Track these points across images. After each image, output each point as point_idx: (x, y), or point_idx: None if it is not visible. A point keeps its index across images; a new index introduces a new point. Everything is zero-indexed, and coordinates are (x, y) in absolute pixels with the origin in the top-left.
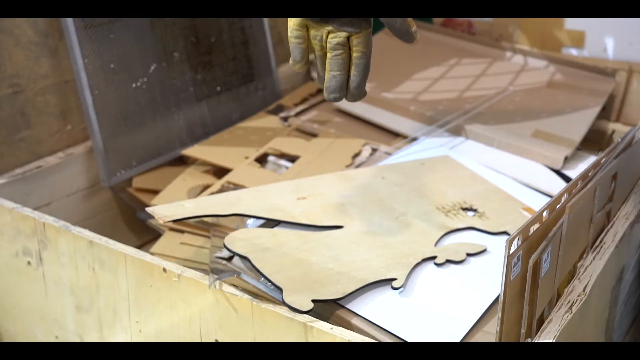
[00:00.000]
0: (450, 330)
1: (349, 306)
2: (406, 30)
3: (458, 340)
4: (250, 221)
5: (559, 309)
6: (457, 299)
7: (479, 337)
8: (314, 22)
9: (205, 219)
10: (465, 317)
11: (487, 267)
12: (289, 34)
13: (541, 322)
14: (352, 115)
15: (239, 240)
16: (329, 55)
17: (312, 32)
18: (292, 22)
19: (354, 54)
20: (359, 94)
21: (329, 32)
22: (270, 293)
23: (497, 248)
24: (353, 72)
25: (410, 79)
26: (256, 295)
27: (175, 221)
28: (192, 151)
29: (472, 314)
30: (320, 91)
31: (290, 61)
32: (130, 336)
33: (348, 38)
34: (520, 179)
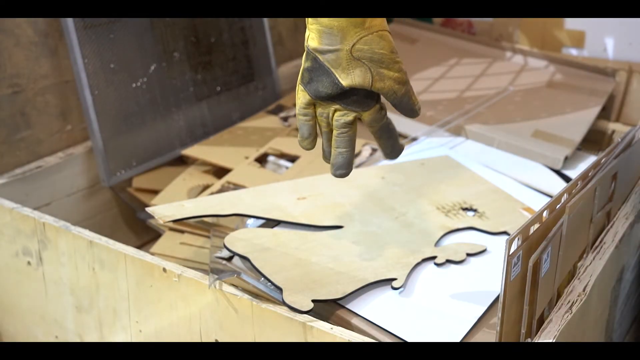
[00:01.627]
0: (450, 330)
1: (349, 306)
2: (410, 107)
3: (458, 340)
4: (250, 221)
5: (559, 309)
6: (457, 299)
7: (479, 337)
8: (322, 100)
9: (205, 219)
10: (465, 317)
11: (487, 267)
12: (297, 111)
13: (541, 322)
14: None
15: (239, 240)
16: (335, 132)
17: (319, 110)
18: (300, 101)
19: (372, 129)
20: (396, 153)
21: (335, 110)
22: (270, 293)
23: (497, 248)
24: (382, 140)
25: (410, 79)
26: (256, 295)
27: (175, 221)
28: (192, 151)
29: (472, 314)
30: None
31: (299, 137)
32: (130, 336)
33: (355, 116)
34: (520, 179)
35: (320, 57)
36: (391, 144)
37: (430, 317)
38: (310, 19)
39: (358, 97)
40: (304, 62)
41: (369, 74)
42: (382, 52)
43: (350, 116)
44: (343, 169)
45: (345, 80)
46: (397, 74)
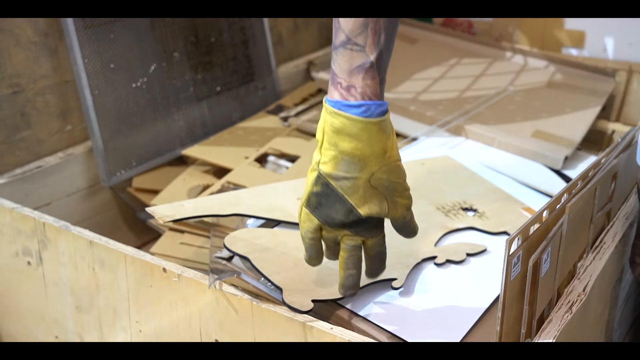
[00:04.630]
0: (451, 330)
1: (348, 306)
2: (412, 229)
3: (458, 340)
4: (250, 221)
5: (559, 309)
6: (457, 299)
7: (479, 337)
8: (332, 227)
9: (205, 219)
10: (465, 317)
11: (487, 267)
12: (303, 234)
13: (541, 322)
14: None
15: (239, 240)
16: (345, 254)
17: (326, 234)
18: (307, 226)
19: (370, 253)
20: (380, 272)
21: (344, 235)
22: (270, 293)
23: (497, 248)
24: (373, 263)
25: (410, 79)
26: (256, 295)
27: (175, 221)
28: (192, 151)
29: (472, 314)
30: (320, 91)
31: (306, 257)
32: (130, 336)
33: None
34: (520, 179)
35: (333, 183)
36: (377, 267)
37: (430, 317)
38: (325, 144)
39: (369, 225)
40: (311, 186)
41: (385, 202)
42: (398, 182)
43: (359, 241)
44: (352, 289)
45: (362, 209)
46: (407, 201)
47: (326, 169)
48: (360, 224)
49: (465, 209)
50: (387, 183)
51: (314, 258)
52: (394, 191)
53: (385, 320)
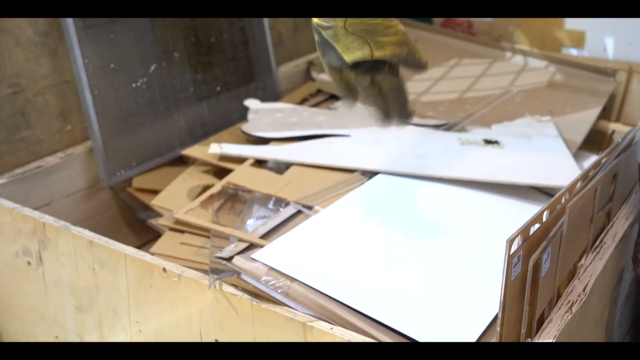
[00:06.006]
0: (463, 330)
1: (350, 304)
2: (417, 64)
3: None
4: (250, 221)
5: (559, 309)
6: (467, 302)
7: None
8: (344, 69)
9: (205, 223)
10: (479, 319)
11: (494, 269)
12: (328, 74)
13: (541, 322)
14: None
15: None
16: (363, 94)
17: (345, 76)
18: (325, 69)
19: (384, 89)
20: (405, 116)
21: (356, 75)
22: (270, 293)
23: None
24: (390, 103)
25: (411, 80)
26: (256, 295)
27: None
28: (192, 151)
29: (483, 316)
30: (319, 91)
31: (341, 96)
32: (130, 336)
33: (370, 79)
34: None
35: (323, 32)
36: (391, 107)
37: (441, 316)
38: None
39: (366, 67)
40: (315, 36)
41: (367, 46)
42: (375, 22)
43: (366, 80)
44: (382, 121)
45: (347, 56)
46: (395, 38)
47: (315, 19)
48: (356, 66)
49: (488, 141)
50: (363, 26)
51: (343, 97)
52: (374, 32)
53: (391, 319)
